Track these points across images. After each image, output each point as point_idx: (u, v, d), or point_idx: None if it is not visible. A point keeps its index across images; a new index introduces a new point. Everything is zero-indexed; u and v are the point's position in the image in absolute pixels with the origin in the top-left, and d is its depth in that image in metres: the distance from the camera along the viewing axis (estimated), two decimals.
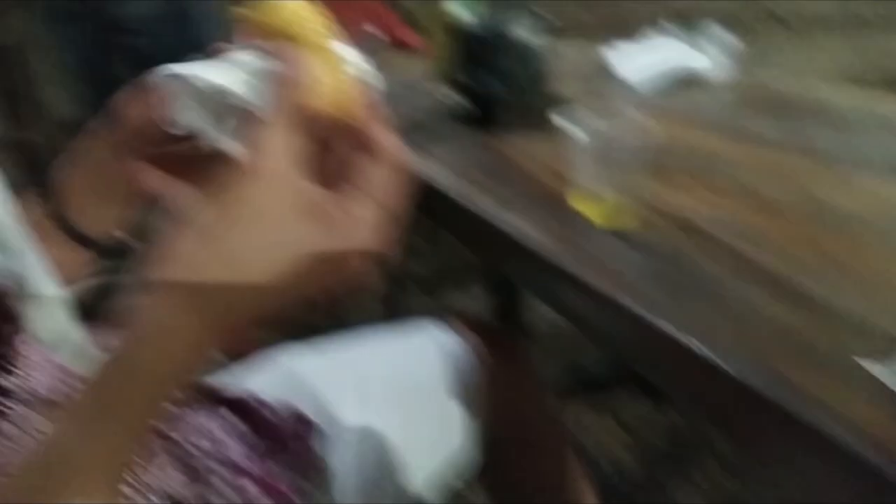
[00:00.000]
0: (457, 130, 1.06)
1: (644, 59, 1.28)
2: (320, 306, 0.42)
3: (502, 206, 0.78)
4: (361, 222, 0.36)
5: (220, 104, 0.40)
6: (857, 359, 0.46)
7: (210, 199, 0.36)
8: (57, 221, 0.51)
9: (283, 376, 0.81)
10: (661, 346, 0.55)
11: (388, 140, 0.40)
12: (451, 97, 1.10)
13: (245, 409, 0.71)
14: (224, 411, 0.69)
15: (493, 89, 1.03)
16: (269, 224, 0.35)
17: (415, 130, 1.07)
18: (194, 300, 0.34)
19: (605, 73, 1.30)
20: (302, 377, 0.81)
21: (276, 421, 0.72)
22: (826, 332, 0.51)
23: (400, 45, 2.01)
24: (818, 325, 0.52)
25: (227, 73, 0.40)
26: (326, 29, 0.41)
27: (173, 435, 0.58)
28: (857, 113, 1.07)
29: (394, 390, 0.82)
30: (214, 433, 0.65)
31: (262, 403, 0.73)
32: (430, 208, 0.82)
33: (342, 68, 0.41)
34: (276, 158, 0.36)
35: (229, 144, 0.40)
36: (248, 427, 0.69)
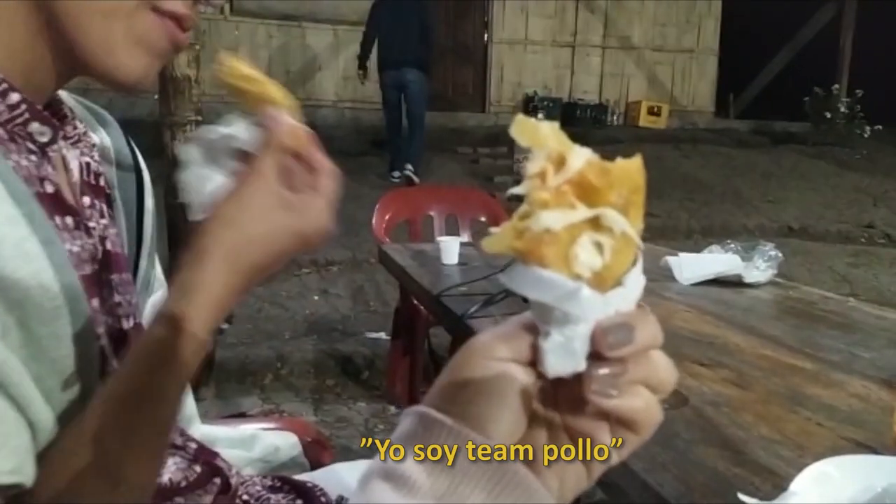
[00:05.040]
0: None
1: (699, 266, 1.50)
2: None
3: None
4: (315, 210, 0.59)
5: (226, 148, 0.63)
6: (741, 496, 0.61)
7: (230, 196, 0.58)
8: None
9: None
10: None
11: (324, 161, 0.62)
12: None
13: (307, 494, 0.89)
14: (287, 489, 0.88)
15: None
16: (260, 211, 0.58)
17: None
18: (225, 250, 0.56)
19: (664, 273, 1.52)
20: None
21: None
22: (741, 474, 0.67)
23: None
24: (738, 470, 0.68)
25: (234, 127, 0.63)
26: (263, 77, 0.63)
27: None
28: (870, 326, 1.21)
29: None
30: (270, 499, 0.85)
31: (323, 493, 0.91)
32: None
33: (287, 104, 0.63)
34: (266, 173, 0.58)
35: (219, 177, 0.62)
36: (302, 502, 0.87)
